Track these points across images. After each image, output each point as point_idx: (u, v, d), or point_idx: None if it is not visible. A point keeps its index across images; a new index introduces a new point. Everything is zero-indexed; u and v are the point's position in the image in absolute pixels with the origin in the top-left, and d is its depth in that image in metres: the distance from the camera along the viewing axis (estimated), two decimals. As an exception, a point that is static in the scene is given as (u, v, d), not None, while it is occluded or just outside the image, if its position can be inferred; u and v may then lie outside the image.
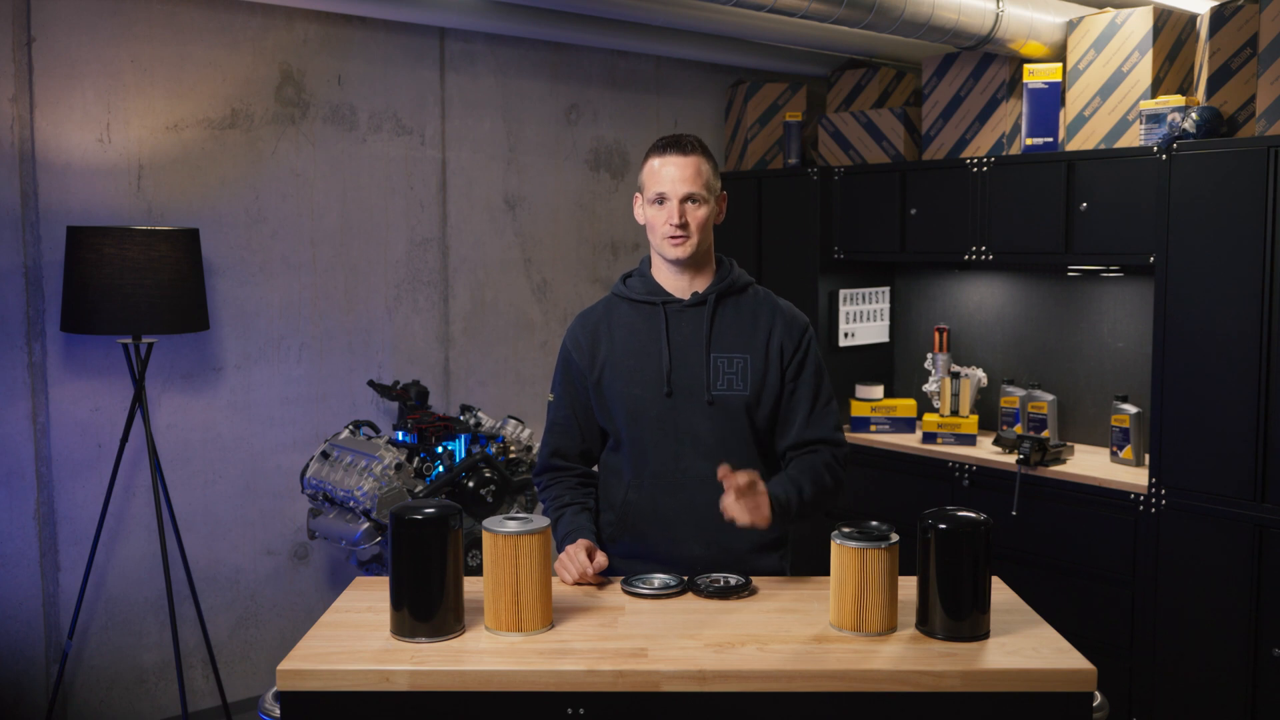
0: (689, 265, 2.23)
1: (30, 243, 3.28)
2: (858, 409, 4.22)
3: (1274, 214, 3.00)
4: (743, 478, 2.02)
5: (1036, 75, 3.76)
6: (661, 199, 2.17)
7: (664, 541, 2.21)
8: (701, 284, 2.25)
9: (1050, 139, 3.76)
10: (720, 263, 2.29)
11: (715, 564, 2.19)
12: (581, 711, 1.73)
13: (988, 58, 3.98)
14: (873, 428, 4.20)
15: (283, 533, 3.79)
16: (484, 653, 1.81)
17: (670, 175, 2.16)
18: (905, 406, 4.21)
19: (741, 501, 2.03)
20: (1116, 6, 3.74)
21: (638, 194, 2.26)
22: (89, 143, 3.35)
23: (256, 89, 3.63)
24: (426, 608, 1.84)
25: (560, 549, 2.22)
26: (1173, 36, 3.56)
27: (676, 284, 2.25)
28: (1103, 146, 3.63)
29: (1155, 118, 3.39)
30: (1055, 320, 4.02)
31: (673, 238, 2.17)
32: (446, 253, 4.12)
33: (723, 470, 2.03)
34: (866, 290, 4.47)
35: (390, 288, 3.98)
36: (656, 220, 2.19)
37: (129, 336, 3.18)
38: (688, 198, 2.16)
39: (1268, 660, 3.06)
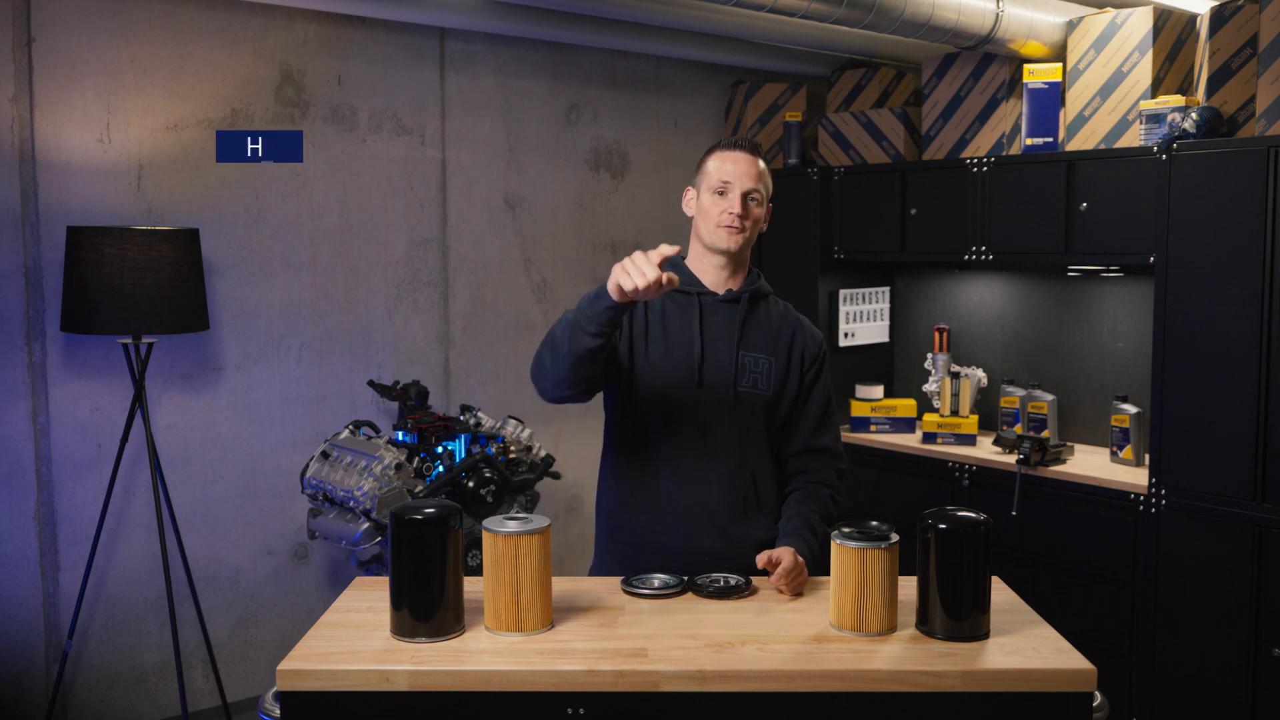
0: (729, 263, 2.27)
1: (30, 243, 3.28)
2: (858, 409, 4.22)
3: (1274, 214, 3.00)
4: (788, 561, 2.07)
5: (1036, 75, 3.76)
6: (725, 189, 2.22)
7: (675, 533, 2.22)
8: (734, 284, 2.30)
9: (1050, 139, 3.76)
10: (750, 269, 2.34)
11: (723, 557, 2.20)
12: (581, 711, 1.73)
13: (988, 58, 3.98)
14: (873, 428, 4.20)
15: (283, 533, 3.79)
16: (484, 653, 1.81)
17: (738, 170, 2.23)
18: (905, 406, 4.21)
19: (789, 581, 2.08)
20: (1116, 6, 3.74)
21: (689, 188, 2.31)
22: (89, 143, 3.35)
23: (256, 89, 3.63)
24: (426, 608, 1.84)
25: (593, 299, 2.04)
26: (1173, 36, 3.57)
27: (713, 279, 2.29)
28: (1103, 146, 3.63)
29: (1155, 118, 3.39)
30: (1055, 320, 4.02)
31: (730, 226, 2.22)
32: (446, 253, 4.12)
33: (763, 559, 2.08)
34: (866, 290, 4.47)
35: (390, 288, 3.98)
36: (714, 209, 2.23)
37: (129, 336, 3.19)
38: (751, 193, 2.23)
39: (1268, 660, 3.06)
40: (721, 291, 2.28)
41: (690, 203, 2.31)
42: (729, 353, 2.24)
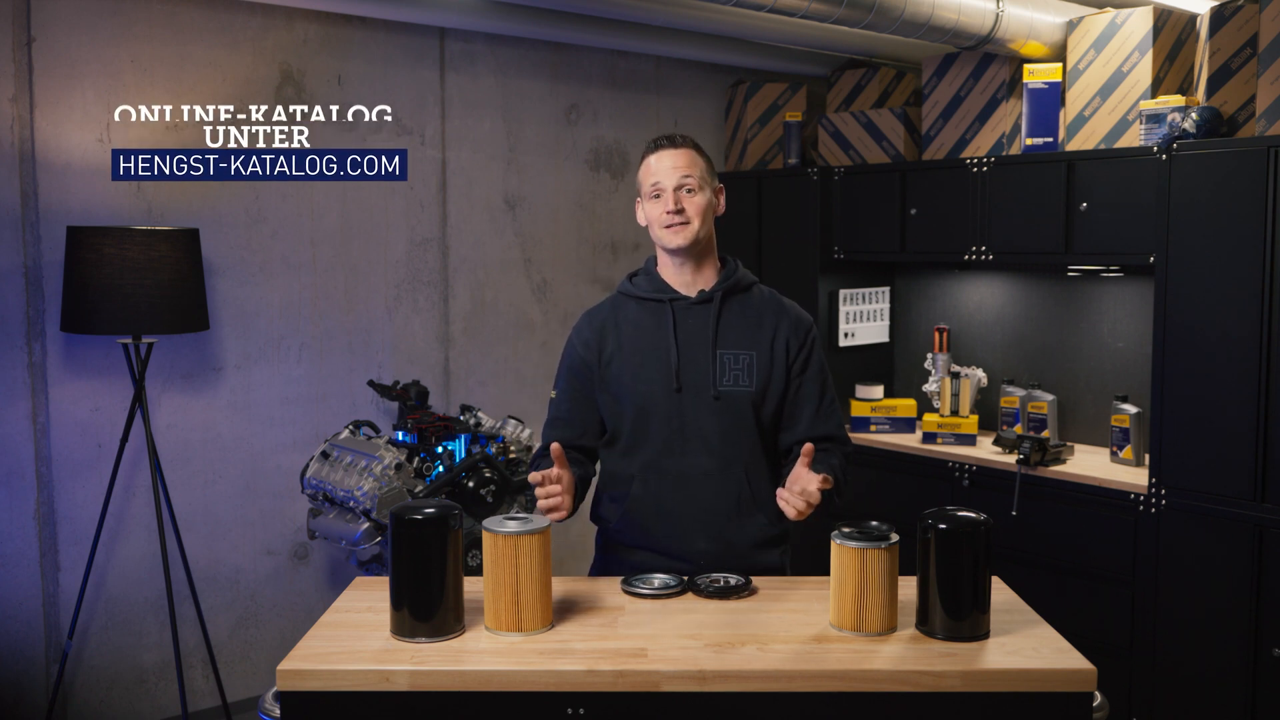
0: (692, 259, 2.26)
1: (30, 243, 3.28)
2: (858, 409, 4.22)
3: (1274, 214, 3.00)
4: (814, 485, 2.01)
5: (1036, 75, 3.76)
6: (658, 191, 2.22)
7: (669, 536, 2.23)
8: (707, 281, 2.28)
9: (1050, 139, 3.76)
10: (725, 262, 2.32)
11: (718, 558, 2.20)
12: (581, 711, 1.73)
13: (988, 58, 3.98)
14: (873, 428, 4.20)
15: (283, 533, 3.79)
16: (484, 653, 1.81)
17: (664, 166, 2.22)
18: (905, 406, 4.21)
19: (800, 489, 2.01)
20: (1116, 6, 3.74)
21: (638, 198, 2.30)
22: (89, 143, 3.35)
23: (256, 89, 3.63)
24: (426, 608, 1.84)
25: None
26: (1173, 36, 3.56)
27: (682, 281, 2.28)
28: (1103, 146, 3.63)
29: (1155, 118, 3.39)
30: (1055, 320, 4.02)
31: (670, 226, 2.21)
32: (446, 253, 4.12)
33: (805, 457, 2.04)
34: (866, 290, 4.47)
35: (390, 288, 3.98)
36: (655, 212, 2.23)
37: (129, 336, 3.19)
38: (682, 185, 2.21)
39: (1268, 660, 3.06)
40: (694, 292, 2.26)
41: (641, 215, 2.30)
42: (705, 354, 2.23)
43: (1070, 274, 3.92)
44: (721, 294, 2.26)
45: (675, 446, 2.22)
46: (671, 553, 2.22)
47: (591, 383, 2.28)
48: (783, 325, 2.27)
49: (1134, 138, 3.53)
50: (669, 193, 2.21)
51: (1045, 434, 3.81)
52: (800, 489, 2.01)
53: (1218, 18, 3.32)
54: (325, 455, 3.46)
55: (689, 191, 2.21)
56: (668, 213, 2.20)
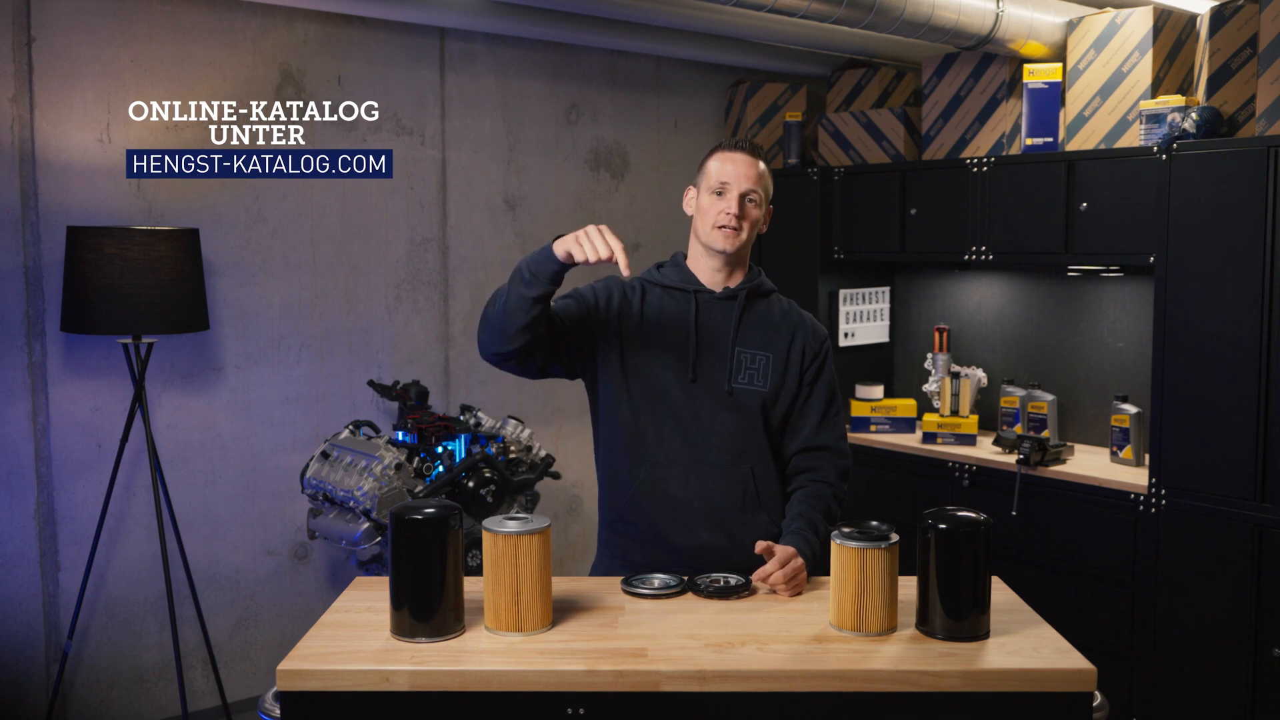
0: (727, 263, 2.28)
1: (30, 243, 3.28)
2: (858, 409, 4.22)
3: (1274, 214, 3.01)
4: (783, 554, 2.07)
5: (1036, 75, 3.76)
6: (723, 190, 2.23)
7: (673, 528, 2.23)
8: (732, 284, 2.30)
9: (1050, 139, 3.76)
10: (750, 267, 2.35)
11: (722, 552, 2.20)
12: (581, 711, 1.73)
13: (988, 58, 3.98)
14: (873, 428, 4.20)
15: (283, 533, 3.79)
16: (484, 653, 1.81)
17: (737, 170, 2.23)
18: (905, 406, 4.21)
19: (783, 575, 2.07)
20: (1116, 6, 3.75)
21: (691, 188, 2.32)
22: (89, 143, 3.35)
23: (256, 89, 3.63)
24: (426, 608, 1.84)
25: (530, 265, 2.08)
26: (1173, 36, 3.57)
27: (710, 279, 2.30)
28: (1103, 146, 3.63)
29: (1155, 118, 3.39)
30: (1055, 320, 4.02)
31: (725, 227, 2.22)
32: (446, 253, 4.12)
33: (763, 545, 2.09)
34: (866, 290, 4.47)
35: (390, 288, 3.98)
36: (711, 209, 2.24)
37: (129, 336, 3.19)
38: (748, 194, 2.23)
39: (1268, 660, 3.06)
40: (719, 290, 2.29)
41: (690, 202, 2.32)
42: (724, 349, 2.25)
43: (1070, 274, 3.92)
44: (746, 293, 2.28)
45: (688, 438, 2.22)
46: (676, 544, 2.22)
47: (585, 314, 2.27)
48: (800, 333, 2.31)
49: (1134, 138, 3.54)
50: (734, 196, 2.22)
51: (1045, 434, 3.81)
52: (769, 589, 2.07)
53: (1218, 18, 3.32)
54: (325, 455, 3.47)
55: (752, 203, 2.24)
56: (727, 213, 2.21)
